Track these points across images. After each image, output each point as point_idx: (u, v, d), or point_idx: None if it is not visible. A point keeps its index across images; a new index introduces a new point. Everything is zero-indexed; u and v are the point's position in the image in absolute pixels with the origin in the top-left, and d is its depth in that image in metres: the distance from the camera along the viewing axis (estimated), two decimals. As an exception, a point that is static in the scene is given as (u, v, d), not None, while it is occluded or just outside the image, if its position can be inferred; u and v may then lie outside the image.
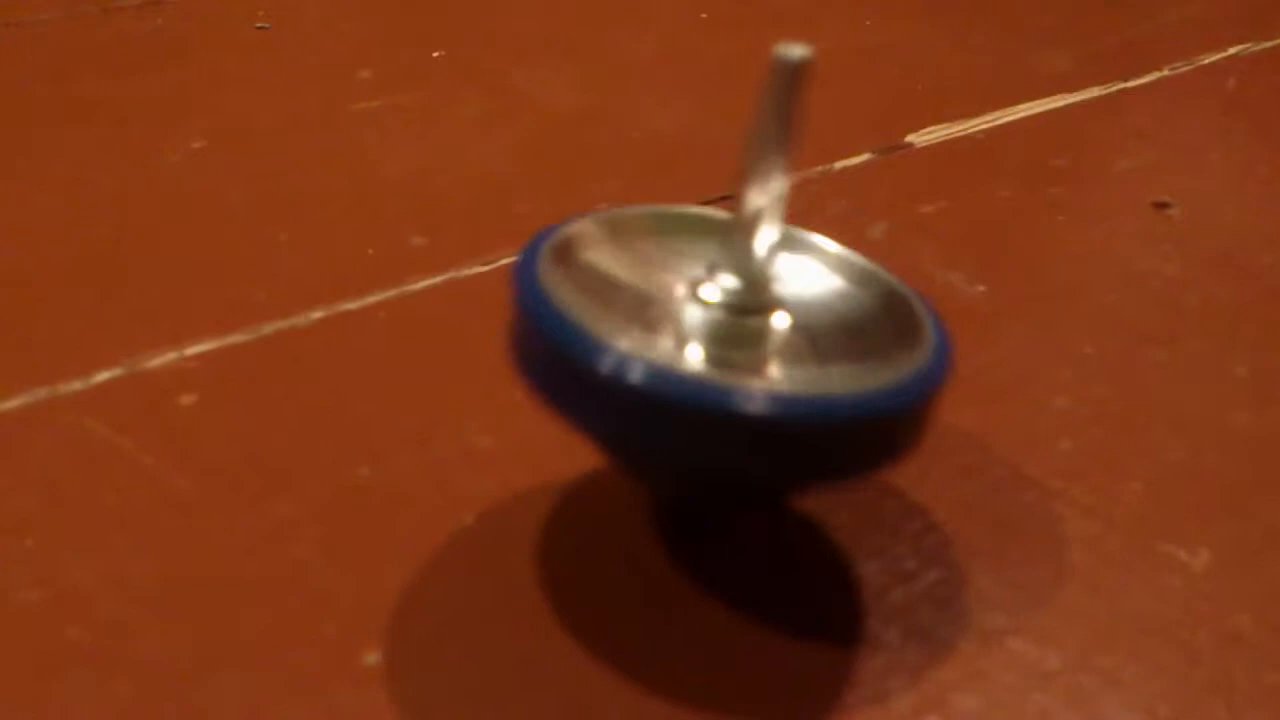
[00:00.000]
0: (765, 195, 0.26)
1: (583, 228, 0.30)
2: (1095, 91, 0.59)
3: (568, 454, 0.33)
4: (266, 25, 0.60)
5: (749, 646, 0.29)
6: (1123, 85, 0.60)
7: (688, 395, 0.24)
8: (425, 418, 0.35)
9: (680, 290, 0.29)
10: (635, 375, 0.24)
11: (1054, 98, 0.58)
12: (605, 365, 0.25)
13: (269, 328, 0.39)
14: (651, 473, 0.29)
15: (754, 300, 0.28)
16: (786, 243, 0.30)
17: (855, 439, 0.26)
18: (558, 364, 0.26)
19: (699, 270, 0.29)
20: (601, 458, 0.31)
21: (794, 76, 0.25)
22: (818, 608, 0.30)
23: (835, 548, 0.32)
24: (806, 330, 0.29)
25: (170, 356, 0.37)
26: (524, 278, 0.27)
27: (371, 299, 0.40)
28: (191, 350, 0.37)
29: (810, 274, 0.30)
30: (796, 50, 0.25)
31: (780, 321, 0.29)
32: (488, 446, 0.34)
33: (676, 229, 0.30)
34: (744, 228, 0.27)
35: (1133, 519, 0.33)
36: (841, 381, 0.27)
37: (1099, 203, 0.49)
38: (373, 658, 0.28)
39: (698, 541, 0.32)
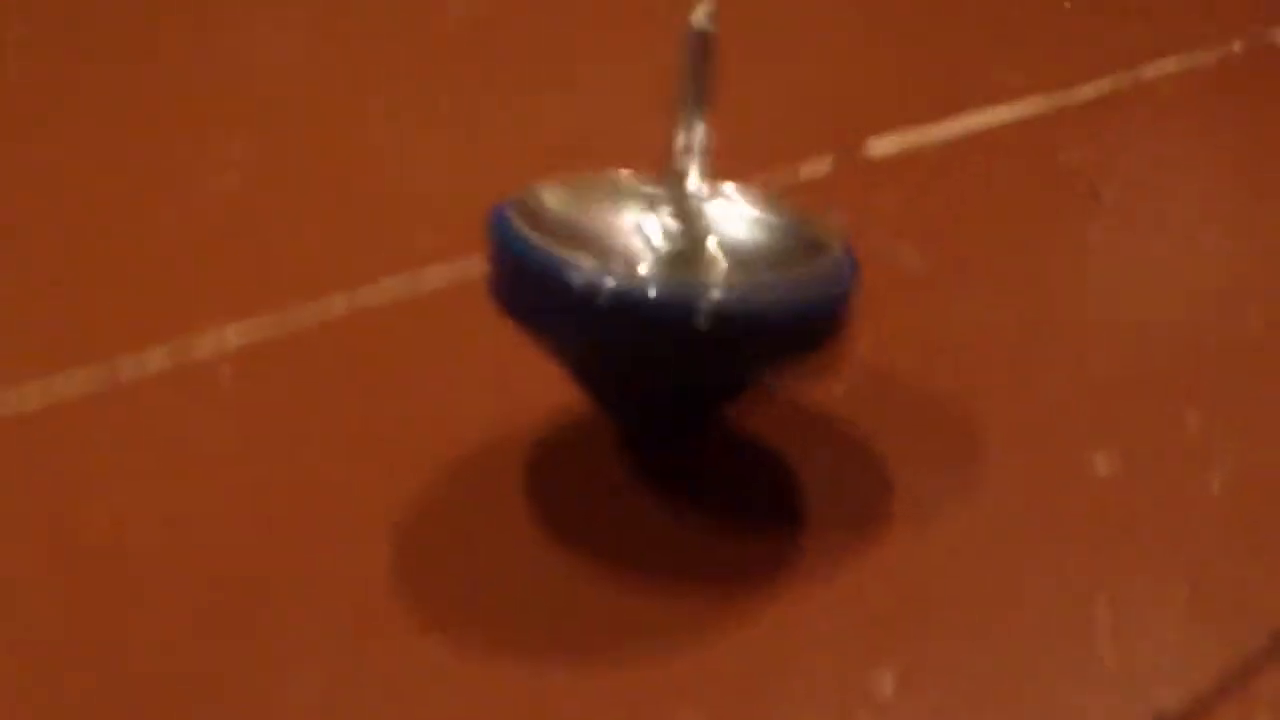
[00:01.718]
0: (691, 141, 0.32)
1: (545, 189, 0.36)
2: (1041, 100, 0.64)
3: (559, 398, 0.38)
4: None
5: (708, 544, 0.34)
6: (1067, 94, 0.65)
7: (647, 298, 0.30)
8: (440, 375, 0.40)
9: (628, 227, 0.35)
10: (605, 285, 0.30)
11: (1002, 106, 0.63)
12: (576, 279, 0.30)
13: (297, 312, 0.44)
14: (622, 386, 0.34)
15: (690, 231, 0.34)
16: (717, 191, 0.36)
17: (787, 328, 0.32)
18: (533, 285, 0.31)
19: (642, 214, 0.35)
20: (581, 397, 0.36)
21: (703, 43, 0.32)
22: (771, 506, 0.35)
23: (789, 465, 0.37)
24: (737, 253, 0.35)
25: (211, 337, 0.42)
26: (497, 224, 0.33)
27: (391, 283, 0.45)
28: (230, 330, 0.43)
29: (737, 211, 0.36)
30: (703, 20, 0.32)
31: (713, 246, 0.34)
32: (489, 400, 0.39)
33: (623, 186, 0.36)
34: (676, 170, 0.33)
35: (1053, 433, 0.38)
36: (773, 286, 0.33)
37: (1037, 190, 0.54)
38: (392, 556, 0.33)
39: (663, 463, 0.37)
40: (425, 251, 0.48)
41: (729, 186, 0.37)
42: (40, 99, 0.59)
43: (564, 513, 0.35)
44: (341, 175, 0.54)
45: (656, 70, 0.65)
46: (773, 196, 0.36)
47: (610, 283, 0.30)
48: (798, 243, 0.35)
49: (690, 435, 0.37)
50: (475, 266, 0.46)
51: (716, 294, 0.31)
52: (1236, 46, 0.73)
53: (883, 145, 0.58)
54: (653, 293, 0.30)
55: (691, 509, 0.35)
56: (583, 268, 0.31)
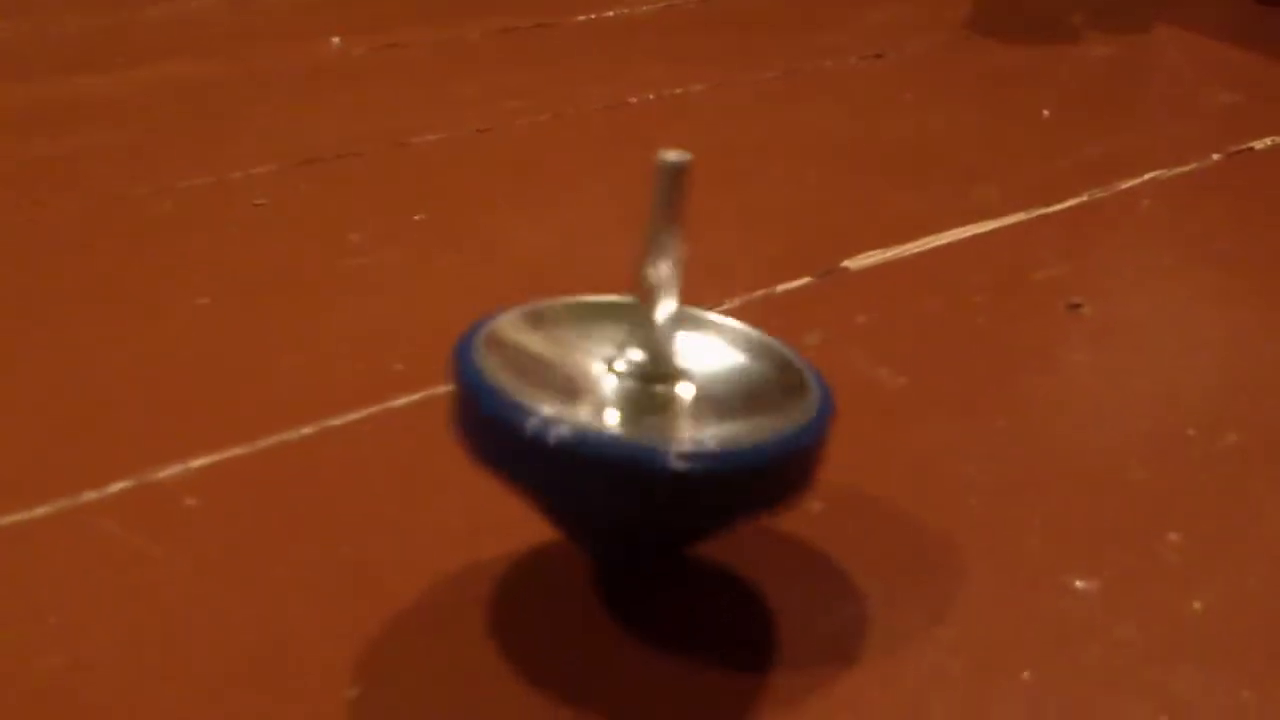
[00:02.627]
0: (660, 276, 0.32)
1: (510, 318, 0.35)
2: (1019, 216, 0.64)
3: (526, 529, 0.38)
4: (264, 202, 0.67)
5: (679, 678, 0.33)
6: (1045, 210, 0.65)
7: (606, 449, 0.29)
8: (403, 506, 0.40)
9: (596, 366, 0.34)
10: (560, 434, 0.29)
11: (980, 224, 0.63)
12: (531, 427, 0.29)
13: (264, 442, 0.43)
14: (585, 528, 0.33)
15: (659, 370, 0.33)
16: (689, 322, 0.35)
17: (756, 482, 0.31)
18: (492, 429, 0.31)
19: (610, 349, 0.34)
20: (550, 528, 0.35)
21: (673, 177, 0.31)
22: (746, 640, 0.34)
23: (763, 594, 0.36)
24: (707, 393, 0.34)
25: (176, 468, 0.42)
26: (461, 360, 0.32)
27: (356, 415, 0.45)
28: (195, 463, 0.42)
29: (709, 346, 0.35)
30: (673, 155, 0.31)
31: (685, 389, 0.33)
32: (458, 527, 0.39)
33: (590, 315, 0.36)
34: (645, 306, 0.32)
35: (1031, 558, 0.37)
36: (741, 434, 0.32)
37: (1016, 307, 0.54)
38: (353, 692, 0.32)
39: (634, 595, 0.36)
40: (395, 379, 0.47)
41: (702, 313, 0.36)
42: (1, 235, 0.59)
43: (531, 648, 0.34)
44: (309, 306, 0.54)
45: (626, 193, 0.66)
46: (747, 325, 0.36)
47: (564, 432, 0.29)
48: (772, 381, 0.34)
49: (659, 564, 0.37)
50: (444, 394, 0.46)
51: (679, 448, 0.30)
52: (1216, 157, 0.74)
53: (860, 262, 0.58)
54: (610, 445, 0.29)
55: (660, 642, 0.34)
56: (537, 413, 0.30)
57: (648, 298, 0.32)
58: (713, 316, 0.36)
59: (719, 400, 0.33)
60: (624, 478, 0.29)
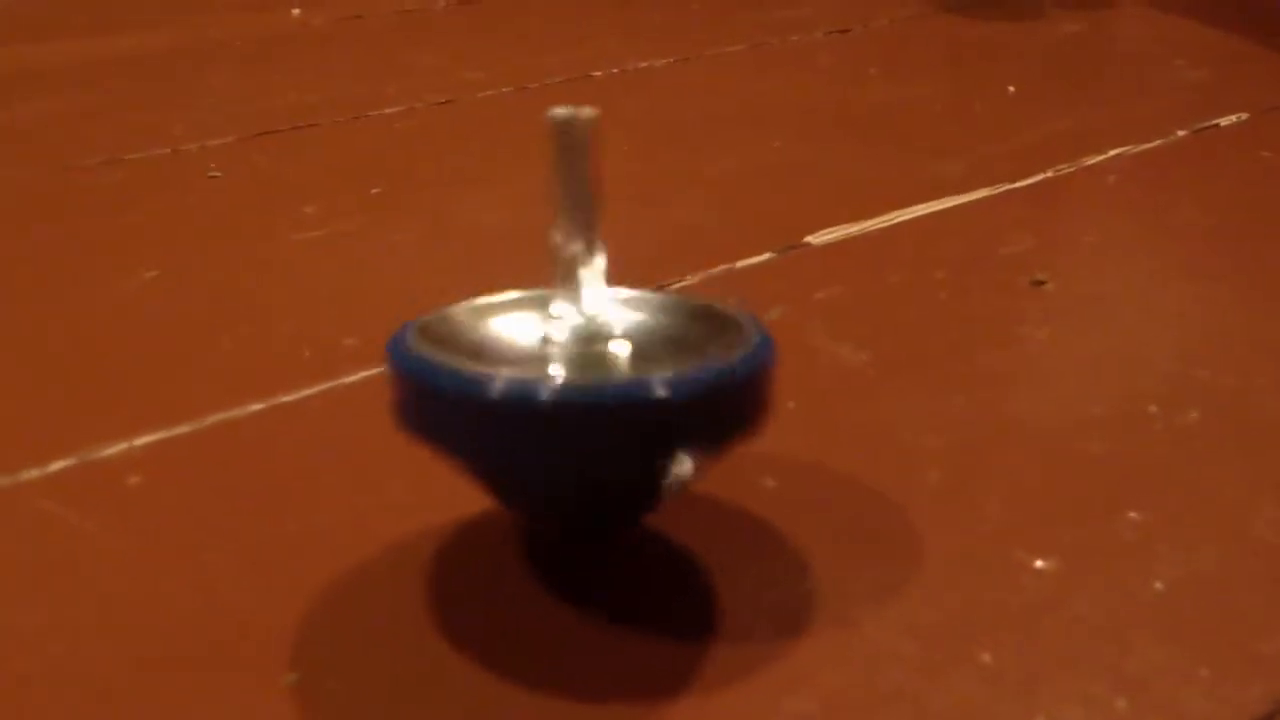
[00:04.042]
0: (576, 240, 0.31)
1: (445, 312, 0.34)
2: (984, 192, 0.64)
3: (474, 505, 0.37)
4: (218, 174, 0.65)
5: (626, 652, 0.32)
6: (1010, 186, 0.65)
7: (552, 396, 0.28)
8: (352, 483, 0.39)
9: (530, 339, 0.33)
10: (500, 388, 0.29)
11: (945, 199, 0.63)
12: (468, 387, 0.29)
13: (211, 419, 0.42)
14: (528, 493, 0.33)
15: (592, 331, 0.33)
16: (619, 297, 0.35)
17: (696, 411, 0.30)
18: (429, 401, 0.30)
19: (545, 324, 0.33)
20: (489, 500, 0.35)
21: (566, 134, 0.30)
22: (696, 614, 0.34)
23: (714, 568, 0.35)
24: (646, 345, 0.33)
25: (120, 446, 0.41)
26: (396, 346, 0.32)
27: (306, 392, 0.44)
28: (140, 440, 0.41)
29: (641, 312, 0.35)
30: (563, 111, 0.30)
31: (617, 346, 0.33)
32: (407, 503, 0.38)
33: (525, 305, 0.35)
34: (566, 284, 0.32)
35: (989, 534, 0.37)
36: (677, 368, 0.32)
37: (979, 282, 0.54)
38: (290, 678, 0.31)
39: (581, 569, 0.35)
40: (347, 355, 0.46)
41: (627, 291, 0.36)
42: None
43: (475, 624, 0.33)
44: (261, 280, 0.53)
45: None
46: (675, 294, 0.35)
47: (497, 384, 0.29)
48: (706, 328, 0.34)
49: (607, 538, 0.36)
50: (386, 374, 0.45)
51: (616, 382, 0.29)
52: (1182, 133, 0.73)
53: (822, 238, 0.58)
54: (546, 388, 0.28)
55: (607, 616, 0.33)
56: (468, 371, 0.29)
57: (567, 272, 0.32)
58: (639, 290, 0.36)
59: (659, 349, 0.33)
60: (563, 418, 0.29)
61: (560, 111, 0.30)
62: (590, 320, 0.33)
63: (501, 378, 0.29)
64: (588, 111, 0.30)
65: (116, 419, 0.42)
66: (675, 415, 0.29)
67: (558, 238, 0.31)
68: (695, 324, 0.34)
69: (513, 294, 0.36)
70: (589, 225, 0.31)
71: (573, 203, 0.30)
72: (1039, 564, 0.36)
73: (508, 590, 0.34)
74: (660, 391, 0.29)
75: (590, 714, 0.30)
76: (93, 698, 0.30)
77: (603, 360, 0.32)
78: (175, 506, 0.38)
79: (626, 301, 0.35)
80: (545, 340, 0.33)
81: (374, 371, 0.46)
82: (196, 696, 0.31)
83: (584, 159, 0.30)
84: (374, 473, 0.39)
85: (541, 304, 0.35)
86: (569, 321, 0.33)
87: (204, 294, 0.51)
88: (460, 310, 0.35)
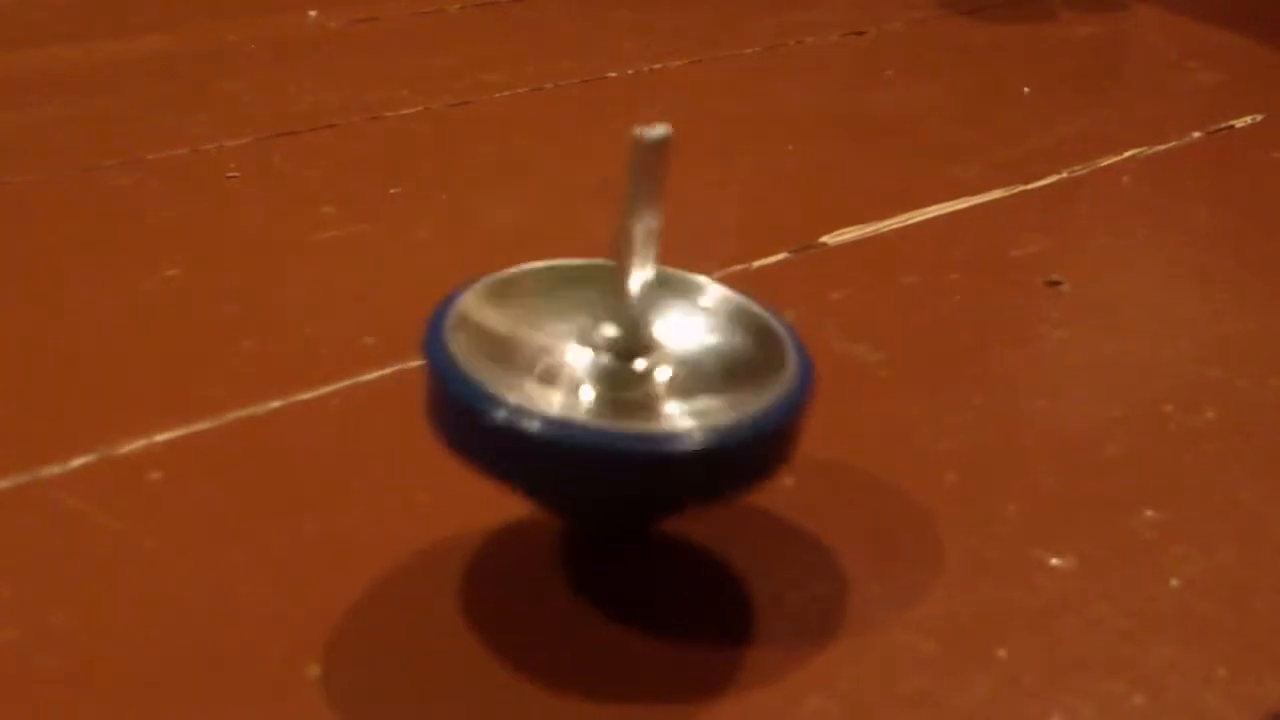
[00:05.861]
0: (637, 245, 0.31)
1: (479, 290, 0.34)
2: (998, 193, 0.64)
3: (496, 505, 0.37)
4: (237, 174, 0.66)
5: (650, 653, 0.32)
6: (1025, 187, 0.65)
7: (578, 440, 0.28)
8: (371, 481, 0.39)
9: (569, 340, 0.33)
10: (528, 425, 0.29)
11: (960, 200, 0.63)
12: (500, 417, 0.29)
13: (231, 416, 0.43)
14: (555, 506, 0.33)
15: (636, 343, 0.32)
16: (666, 286, 0.34)
17: (730, 463, 0.30)
18: (461, 418, 0.30)
19: (585, 320, 0.33)
20: (519, 504, 0.35)
21: (649, 152, 0.30)
22: (718, 615, 0.34)
23: (735, 569, 0.35)
24: (685, 368, 0.33)
25: (140, 443, 0.41)
26: (431, 346, 0.31)
27: (325, 389, 0.44)
28: (160, 437, 0.41)
29: (687, 315, 0.35)
30: (652, 132, 0.30)
31: (661, 361, 0.33)
32: (426, 502, 0.38)
33: (562, 281, 0.35)
34: (620, 274, 0.32)
35: (1006, 534, 0.37)
36: (720, 410, 0.31)
37: (994, 283, 0.54)
38: (315, 670, 0.31)
39: (605, 571, 0.35)
40: (366, 353, 0.47)
41: (680, 274, 0.35)
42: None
43: (499, 625, 0.33)
44: (280, 279, 0.53)
45: (604, 169, 0.65)
46: (725, 287, 0.35)
47: (534, 424, 0.29)
48: (751, 353, 0.33)
49: (633, 539, 0.36)
50: (414, 369, 0.45)
51: (650, 434, 0.29)
52: (1197, 135, 0.73)
53: (838, 238, 0.58)
54: (580, 434, 0.28)
55: (630, 617, 0.34)
56: (506, 403, 0.29)
57: (624, 265, 0.31)
58: (691, 277, 0.35)
59: (696, 375, 0.33)
60: (599, 467, 0.29)
61: (650, 132, 0.30)
62: (634, 327, 0.32)
63: (506, 406, 0.29)
64: (668, 131, 0.30)
65: (137, 416, 0.43)
66: (689, 469, 0.29)
67: (621, 236, 0.31)
68: (739, 333, 0.34)
69: (563, 263, 0.35)
70: (653, 232, 0.31)
71: (642, 215, 0.31)
72: (1057, 563, 0.36)
73: (533, 589, 0.35)
74: (670, 447, 0.29)
75: (608, 714, 0.31)
76: (117, 693, 0.31)
77: (637, 382, 0.32)
78: (196, 502, 0.38)
79: (678, 292, 0.35)
80: (584, 341, 0.33)
81: (393, 369, 0.46)
82: (221, 692, 0.31)
83: (662, 175, 0.31)
84: (396, 472, 0.40)
85: (590, 281, 0.35)
86: (613, 324, 0.32)
87: (223, 292, 0.52)
88: (509, 279, 0.35)
